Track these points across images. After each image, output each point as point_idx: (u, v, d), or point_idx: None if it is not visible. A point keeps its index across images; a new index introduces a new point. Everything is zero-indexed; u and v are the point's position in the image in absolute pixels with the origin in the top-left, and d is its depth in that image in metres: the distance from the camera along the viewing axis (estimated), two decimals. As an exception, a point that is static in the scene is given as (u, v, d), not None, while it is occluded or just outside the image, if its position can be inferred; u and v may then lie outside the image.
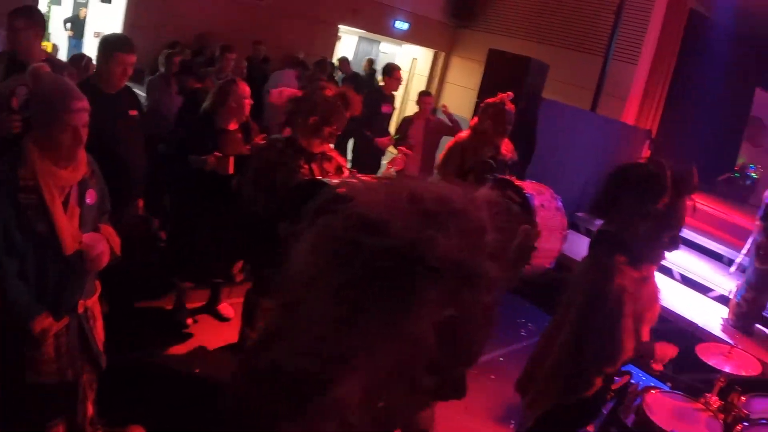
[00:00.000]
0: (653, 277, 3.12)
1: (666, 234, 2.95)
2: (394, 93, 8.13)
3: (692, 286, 7.22)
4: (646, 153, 9.63)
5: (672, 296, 6.67)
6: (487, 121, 5.68)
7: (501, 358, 5.51)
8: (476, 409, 4.70)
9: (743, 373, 3.95)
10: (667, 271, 7.38)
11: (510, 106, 5.75)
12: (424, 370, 1.16)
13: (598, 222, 3.23)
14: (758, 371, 4.00)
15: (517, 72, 7.85)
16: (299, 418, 1.14)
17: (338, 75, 11.14)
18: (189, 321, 5.19)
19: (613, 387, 3.36)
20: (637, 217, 2.90)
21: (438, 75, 13.89)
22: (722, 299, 6.89)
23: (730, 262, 7.65)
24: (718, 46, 11.18)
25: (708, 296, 7.11)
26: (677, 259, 7.49)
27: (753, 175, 11.98)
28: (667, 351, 3.14)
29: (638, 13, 10.51)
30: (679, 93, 10.90)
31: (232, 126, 4.92)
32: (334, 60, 12.43)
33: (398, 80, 7.85)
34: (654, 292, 3.13)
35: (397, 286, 1.07)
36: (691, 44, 10.73)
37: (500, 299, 1.20)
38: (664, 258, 3.11)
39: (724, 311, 6.50)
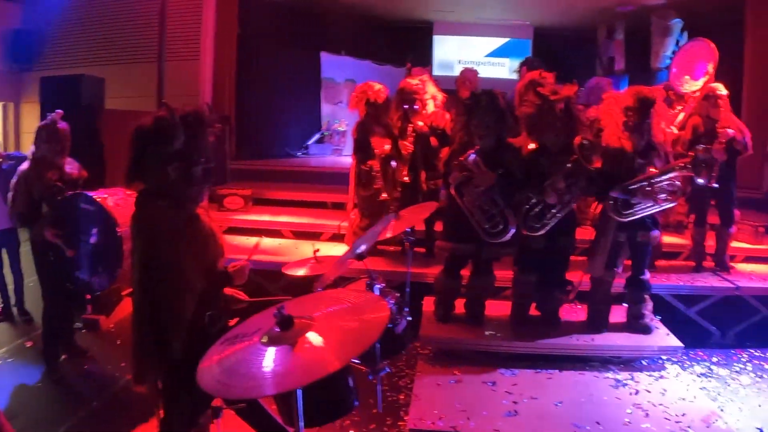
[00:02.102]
0: (203, 214, 3.36)
1: (196, 169, 3.16)
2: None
3: (305, 237, 7.89)
4: (231, 137, 10.22)
5: (288, 251, 7.28)
6: (43, 145, 5.65)
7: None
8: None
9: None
10: (278, 233, 8.00)
11: (62, 125, 5.76)
12: None
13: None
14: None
15: (71, 92, 7.89)
16: None
17: None
18: None
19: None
20: (161, 162, 3.08)
21: (12, 127, 13.25)
22: (337, 236, 7.67)
23: (333, 205, 8.50)
24: (277, 21, 12.08)
25: (321, 240, 7.83)
26: (283, 220, 8.16)
27: (340, 128, 13.28)
28: (239, 268, 3.42)
29: (189, 11, 10.98)
30: (252, 73, 11.59)
31: None
32: None
33: None
34: (208, 227, 3.36)
35: None
36: (251, 25, 11.42)
37: None
38: (206, 192, 3.35)
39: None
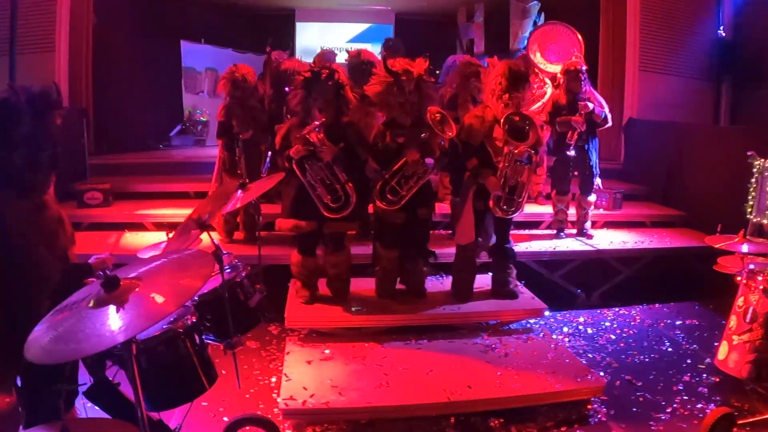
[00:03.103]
0: (51, 202, 3.19)
1: (42, 155, 2.99)
2: None
3: (169, 228, 7.60)
4: (90, 131, 9.81)
5: (153, 240, 7.04)
6: None
7: None
8: None
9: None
10: (141, 226, 7.74)
11: None
12: None
13: None
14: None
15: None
16: None
17: None
18: None
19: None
20: (6, 148, 2.90)
21: None
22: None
23: (196, 194, 8.33)
24: (134, 9, 11.68)
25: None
26: (146, 213, 7.93)
27: (202, 119, 13.01)
28: (101, 260, 3.26)
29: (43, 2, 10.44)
30: (110, 64, 11.07)
31: None
32: None
33: None
34: (57, 215, 3.19)
35: None
36: (107, 13, 10.93)
37: None
38: (52, 180, 3.16)
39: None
